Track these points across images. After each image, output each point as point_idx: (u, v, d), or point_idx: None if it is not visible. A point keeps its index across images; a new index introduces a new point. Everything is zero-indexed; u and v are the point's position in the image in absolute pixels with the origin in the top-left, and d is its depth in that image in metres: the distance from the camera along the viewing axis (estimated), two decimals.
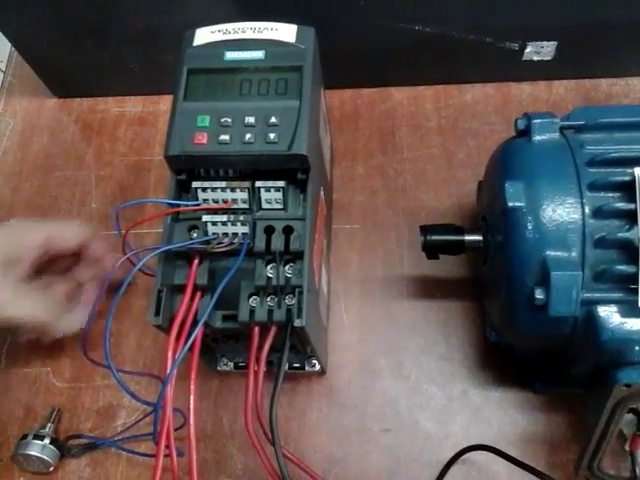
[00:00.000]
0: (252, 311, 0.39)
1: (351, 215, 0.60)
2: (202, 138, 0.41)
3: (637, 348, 0.38)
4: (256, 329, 0.40)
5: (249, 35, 0.44)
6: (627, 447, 0.41)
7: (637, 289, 0.39)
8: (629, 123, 0.43)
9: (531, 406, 0.50)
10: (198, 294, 0.40)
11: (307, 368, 0.50)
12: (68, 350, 0.55)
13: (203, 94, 0.43)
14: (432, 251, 0.49)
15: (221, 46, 0.44)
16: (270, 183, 0.41)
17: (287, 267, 0.40)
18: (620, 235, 0.39)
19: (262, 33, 0.44)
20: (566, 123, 0.44)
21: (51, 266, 0.51)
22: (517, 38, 0.60)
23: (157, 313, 0.39)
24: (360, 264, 0.57)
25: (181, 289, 0.40)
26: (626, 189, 0.40)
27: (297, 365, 0.50)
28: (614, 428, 0.39)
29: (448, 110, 0.65)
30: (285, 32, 0.44)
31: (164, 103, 0.67)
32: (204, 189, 0.41)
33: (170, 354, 0.37)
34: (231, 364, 0.50)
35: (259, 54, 0.43)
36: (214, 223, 0.40)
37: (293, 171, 0.41)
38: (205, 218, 0.40)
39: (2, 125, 0.69)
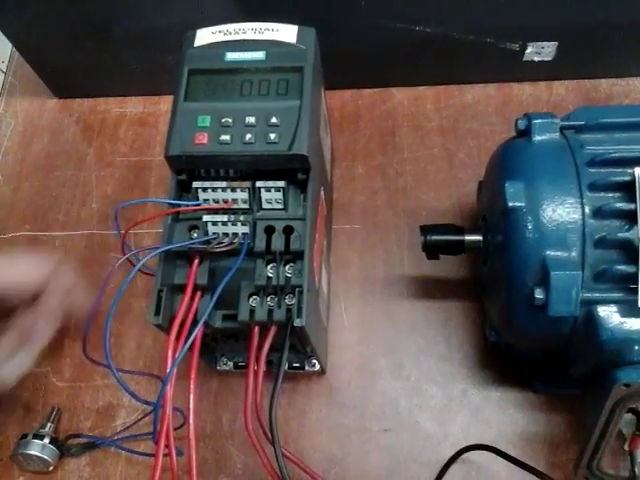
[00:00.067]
0: (252, 311, 0.40)
1: (351, 215, 0.60)
2: (203, 138, 0.41)
3: (636, 348, 0.38)
4: (256, 329, 0.40)
5: (250, 36, 0.44)
6: (626, 447, 0.41)
7: (637, 289, 0.39)
8: (629, 123, 0.43)
9: (531, 406, 0.50)
10: (198, 294, 0.40)
11: (307, 368, 0.50)
12: (68, 350, 0.55)
13: (204, 94, 0.43)
14: (432, 251, 0.49)
15: (222, 47, 0.44)
16: (270, 183, 0.41)
17: (287, 267, 0.40)
18: (620, 235, 0.39)
19: (263, 34, 0.44)
20: (566, 123, 0.44)
21: None
22: (518, 38, 0.60)
23: (157, 313, 0.39)
24: (360, 264, 0.58)
25: (181, 289, 0.40)
26: (626, 189, 0.40)
27: (297, 365, 0.50)
28: (613, 428, 0.39)
29: (449, 110, 0.65)
30: (286, 33, 0.44)
31: (165, 103, 0.67)
32: (204, 189, 0.41)
33: (170, 354, 0.37)
34: (231, 364, 0.50)
35: (260, 55, 0.43)
36: (214, 223, 0.40)
37: (293, 171, 0.42)
38: (205, 218, 0.40)
39: (3, 125, 0.69)
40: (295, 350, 0.46)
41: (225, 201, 0.41)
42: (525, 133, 0.44)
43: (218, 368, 0.51)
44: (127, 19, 0.59)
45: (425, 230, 0.49)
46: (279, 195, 0.41)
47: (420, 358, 0.53)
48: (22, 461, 0.50)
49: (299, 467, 0.43)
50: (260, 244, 0.40)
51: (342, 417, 0.51)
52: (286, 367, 0.47)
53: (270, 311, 0.39)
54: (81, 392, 0.54)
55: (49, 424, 0.51)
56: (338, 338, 0.54)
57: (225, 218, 0.40)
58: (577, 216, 0.40)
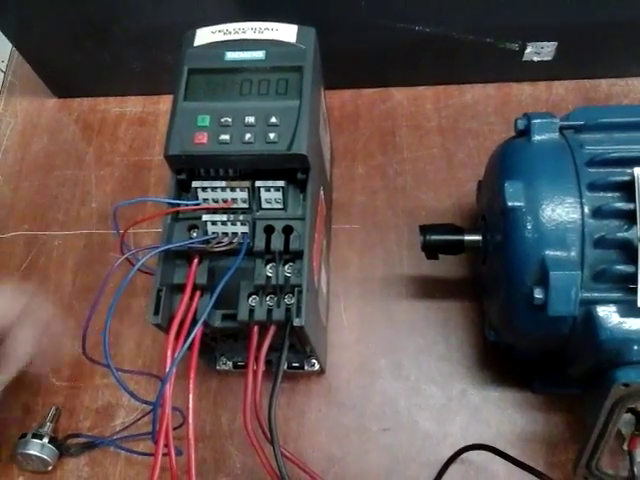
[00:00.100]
0: (251, 310, 0.40)
1: (351, 215, 0.60)
2: (202, 138, 0.41)
3: (636, 348, 0.38)
4: (255, 328, 0.40)
5: (249, 35, 0.44)
6: (625, 446, 0.41)
7: (636, 289, 0.39)
8: (629, 123, 0.43)
9: (530, 406, 0.50)
10: (197, 293, 0.40)
11: (306, 368, 0.50)
12: (67, 349, 0.55)
13: (203, 94, 0.43)
14: (432, 251, 0.49)
15: (221, 46, 0.44)
16: (270, 183, 0.41)
17: (286, 267, 0.40)
18: (619, 235, 0.39)
19: (262, 33, 0.44)
20: (566, 123, 0.44)
21: None
22: (517, 38, 0.60)
23: (156, 312, 0.39)
24: (360, 264, 0.58)
25: (181, 288, 0.40)
26: (625, 189, 0.40)
27: (296, 365, 0.50)
28: (612, 428, 0.39)
29: (448, 110, 0.65)
30: (285, 32, 0.44)
31: (164, 103, 0.68)
32: (204, 189, 0.41)
33: (169, 353, 0.37)
34: (230, 363, 0.50)
35: (259, 54, 0.43)
36: (214, 222, 0.40)
37: (293, 171, 0.42)
38: (205, 218, 0.40)
39: (2, 125, 0.69)
40: (294, 350, 0.46)
41: (225, 201, 0.41)
42: (524, 133, 0.44)
43: (217, 368, 0.51)
44: (127, 19, 0.59)
45: (424, 230, 0.49)
46: (279, 195, 0.41)
47: (419, 358, 0.53)
48: (21, 461, 0.50)
49: (298, 467, 0.43)
50: (259, 244, 0.40)
51: (341, 417, 0.51)
52: (285, 367, 0.48)
53: (269, 311, 0.39)
54: (80, 392, 0.54)
55: (48, 424, 0.51)
56: (337, 338, 0.54)
57: (224, 218, 0.40)
58: (576, 216, 0.40)
